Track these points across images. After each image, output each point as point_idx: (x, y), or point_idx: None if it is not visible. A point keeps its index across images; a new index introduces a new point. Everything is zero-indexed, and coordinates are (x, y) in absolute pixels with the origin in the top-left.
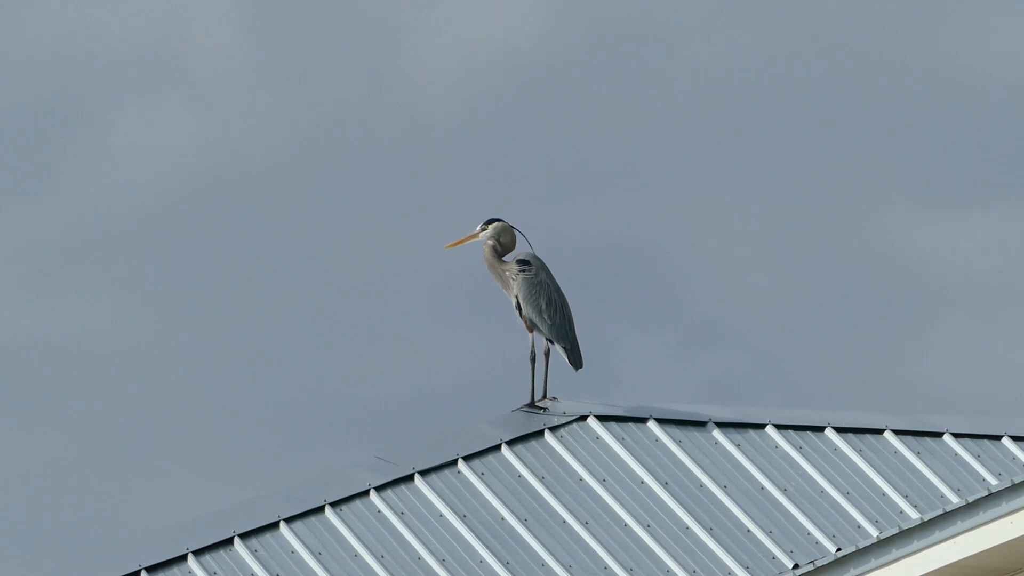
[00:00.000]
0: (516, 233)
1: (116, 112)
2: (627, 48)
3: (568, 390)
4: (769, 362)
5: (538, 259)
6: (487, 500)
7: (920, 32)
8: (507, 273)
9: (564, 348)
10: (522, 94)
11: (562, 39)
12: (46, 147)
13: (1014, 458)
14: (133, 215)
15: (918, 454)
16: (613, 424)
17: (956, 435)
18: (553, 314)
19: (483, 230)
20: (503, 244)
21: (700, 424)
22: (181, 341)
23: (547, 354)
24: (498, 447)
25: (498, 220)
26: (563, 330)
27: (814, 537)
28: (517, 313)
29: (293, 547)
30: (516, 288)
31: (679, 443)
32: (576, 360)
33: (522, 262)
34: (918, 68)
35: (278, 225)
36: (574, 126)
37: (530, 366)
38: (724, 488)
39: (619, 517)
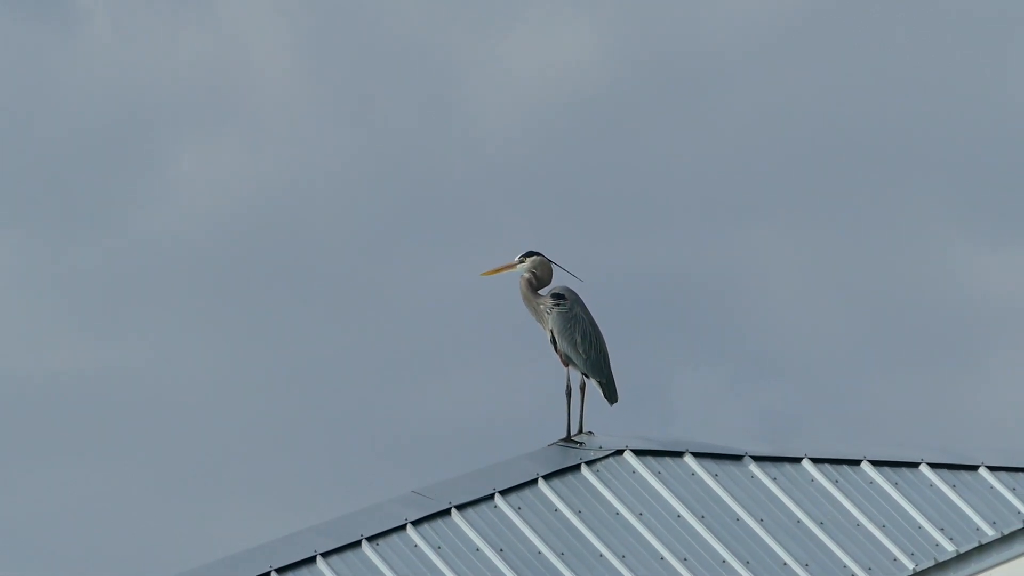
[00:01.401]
0: (554, 267)
1: (174, 147)
2: (685, 80)
3: (621, 425)
4: (825, 396)
5: (573, 292)
6: (524, 534)
7: (980, 64)
8: (542, 307)
9: (599, 383)
10: (579, 126)
11: (620, 72)
12: (104, 183)
13: None
14: (190, 250)
15: (954, 487)
16: (649, 458)
17: (992, 468)
18: (588, 348)
19: (520, 262)
20: (539, 278)
21: (736, 458)
22: (230, 375)
23: (583, 388)
24: (535, 481)
25: (536, 254)
26: (598, 365)
27: (850, 570)
28: (552, 347)
29: None
30: (551, 323)
31: (715, 477)
32: (611, 394)
33: (557, 296)
34: (977, 100)
35: (336, 259)
36: (631, 159)
37: (566, 400)
38: (760, 521)
39: (656, 551)
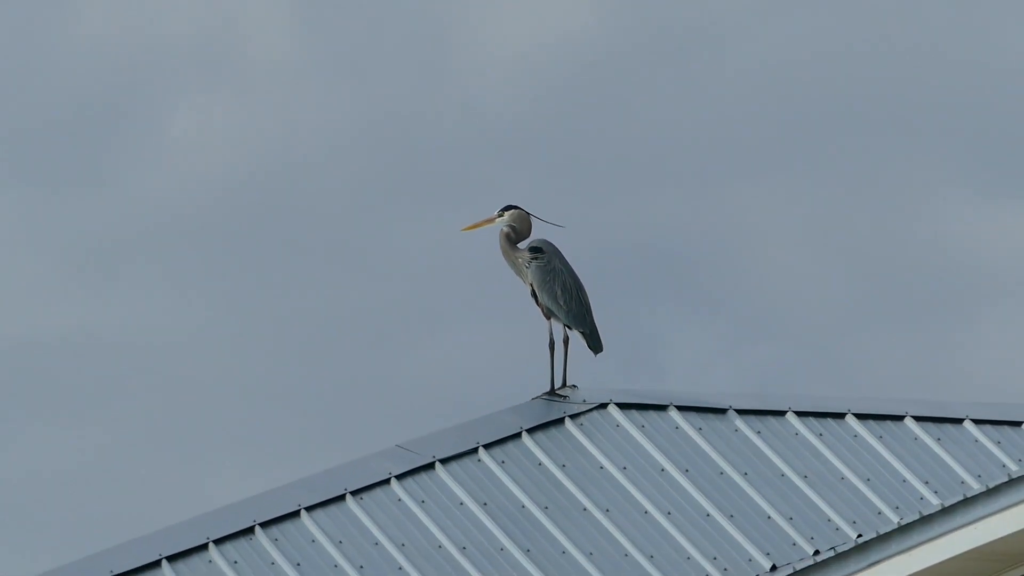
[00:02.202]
0: (533, 220)
1: (170, 108)
2: (677, 41)
3: (614, 382)
4: (820, 353)
5: (551, 245)
6: (508, 488)
7: (975, 21)
8: (520, 260)
9: (582, 333)
10: (572, 88)
11: (613, 33)
12: (99, 143)
13: None
14: (185, 210)
15: (938, 440)
16: (633, 411)
17: (976, 421)
18: (569, 300)
19: (500, 216)
20: (517, 231)
21: (720, 411)
22: (223, 334)
23: (566, 341)
24: (518, 435)
25: (515, 207)
26: (580, 316)
27: (835, 524)
28: (534, 300)
29: (314, 536)
30: (530, 276)
31: (699, 430)
32: (595, 345)
33: (535, 249)
34: (972, 56)
35: (329, 220)
36: (626, 119)
37: (549, 353)
38: (744, 475)
39: (639, 504)
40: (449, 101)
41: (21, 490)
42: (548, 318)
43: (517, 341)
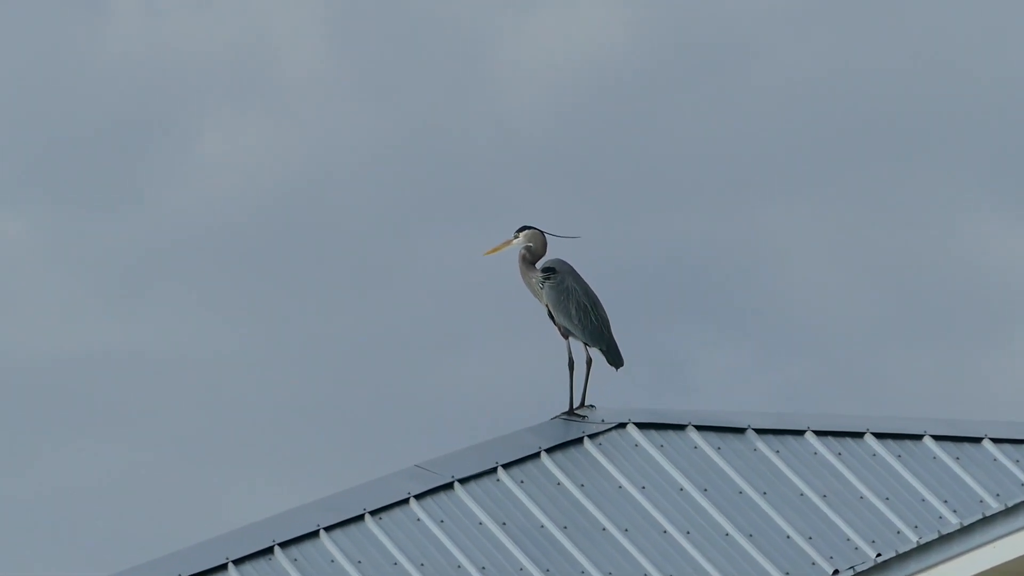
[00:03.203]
0: (550, 237)
1: (201, 125)
2: (706, 58)
3: (647, 400)
4: (849, 372)
5: (565, 264)
6: (527, 508)
7: (1006, 39)
8: (535, 281)
9: (601, 350)
10: (602, 105)
11: (643, 50)
12: (131, 160)
13: None
14: (217, 227)
15: (957, 459)
16: (652, 431)
17: (995, 440)
18: (584, 318)
19: (516, 237)
20: (532, 251)
21: (739, 430)
22: (254, 352)
23: (588, 362)
24: (537, 455)
25: (529, 227)
26: (597, 332)
27: (853, 543)
28: (551, 321)
29: (333, 556)
30: (545, 297)
31: (718, 449)
32: (615, 359)
33: (547, 270)
34: (1003, 74)
35: (359, 238)
36: (655, 136)
37: (569, 373)
38: (763, 494)
39: (658, 524)
40: (479, 118)
41: (54, 506)
42: (566, 337)
43: (543, 361)
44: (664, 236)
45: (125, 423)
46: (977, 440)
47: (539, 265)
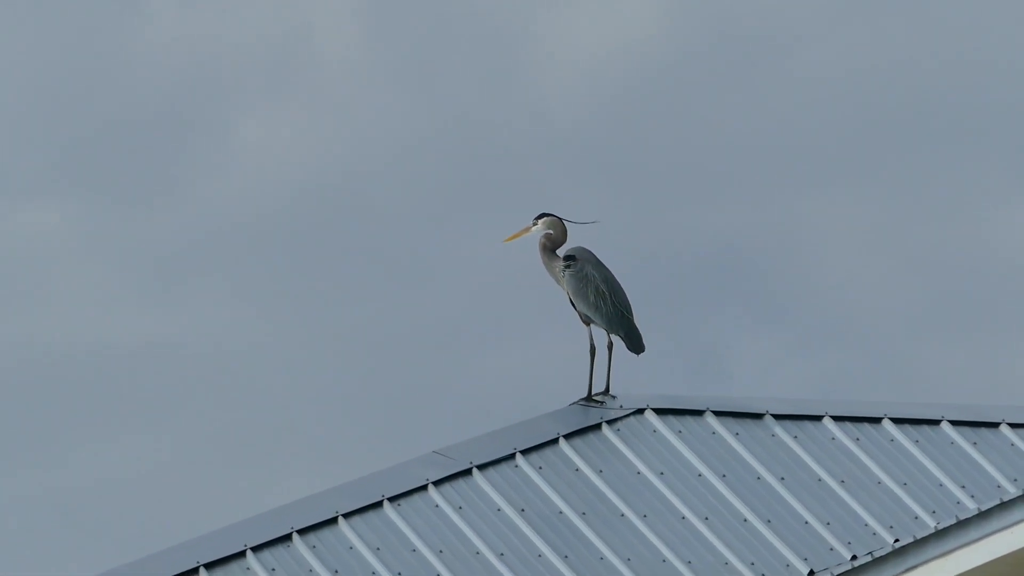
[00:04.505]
0: (570, 224)
1: (237, 116)
2: (742, 49)
3: (674, 386)
4: (884, 359)
5: (585, 251)
6: (545, 494)
7: None
8: (556, 269)
9: (620, 336)
10: (641, 96)
11: (679, 41)
12: (168, 152)
13: None
14: (252, 218)
15: (975, 444)
16: (670, 417)
17: (1013, 425)
18: (603, 304)
19: (535, 224)
20: (552, 239)
21: (757, 416)
22: (290, 343)
23: (610, 347)
24: (556, 441)
25: (548, 215)
26: (616, 319)
27: (871, 528)
28: (573, 308)
29: (352, 543)
30: (565, 285)
31: (736, 435)
32: (635, 345)
33: (568, 258)
34: None
35: (395, 229)
36: (692, 127)
37: (589, 359)
38: (781, 480)
39: (677, 510)
40: (514, 109)
41: (89, 497)
42: (587, 324)
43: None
44: (701, 225)
45: (161, 414)
46: (995, 425)
47: (560, 252)
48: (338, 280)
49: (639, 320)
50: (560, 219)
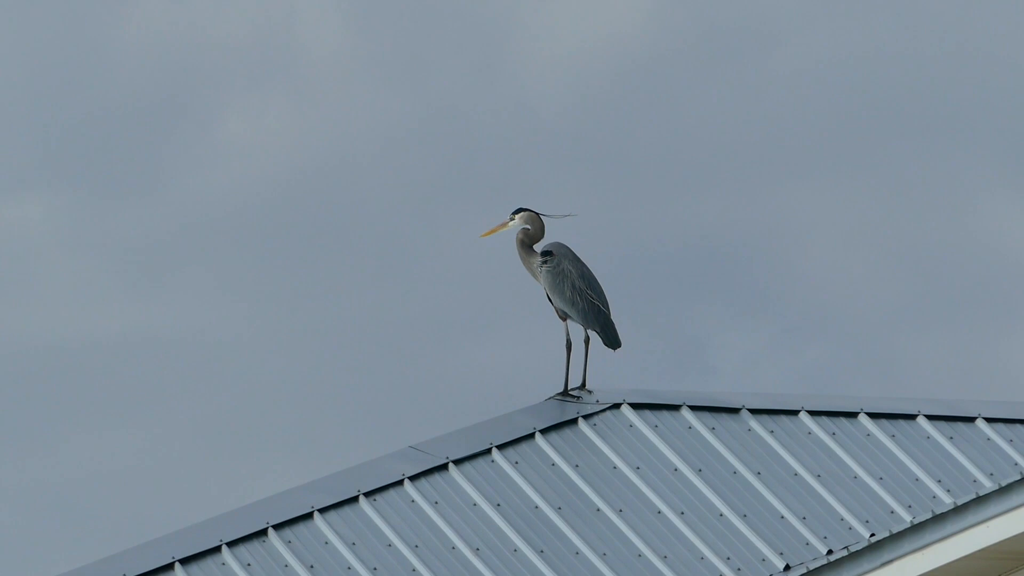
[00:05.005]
0: (548, 219)
1: (222, 110)
2: (726, 42)
3: (658, 381)
4: (867, 352)
5: (562, 247)
6: (521, 489)
7: (1020, 22)
8: (533, 265)
9: (596, 331)
10: (626, 89)
11: (663, 33)
12: (152, 145)
13: None
14: (238, 212)
15: (951, 439)
16: (646, 411)
17: (989, 420)
18: (579, 300)
19: (512, 219)
20: (530, 234)
21: (733, 411)
22: (273, 335)
23: (586, 342)
24: (532, 436)
25: (525, 209)
26: (591, 314)
27: (848, 523)
28: (550, 303)
29: (327, 538)
30: (542, 281)
31: (712, 430)
32: (611, 340)
33: (545, 254)
34: (1018, 57)
35: (379, 221)
36: (675, 120)
37: (566, 354)
38: (757, 474)
39: (653, 504)
40: (499, 102)
41: (72, 489)
42: (564, 320)
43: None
44: (685, 218)
45: (145, 407)
46: (971, 420)
47: (538, 247)
48: (321, 273)
49: (618, 315)
50: (538, 214)
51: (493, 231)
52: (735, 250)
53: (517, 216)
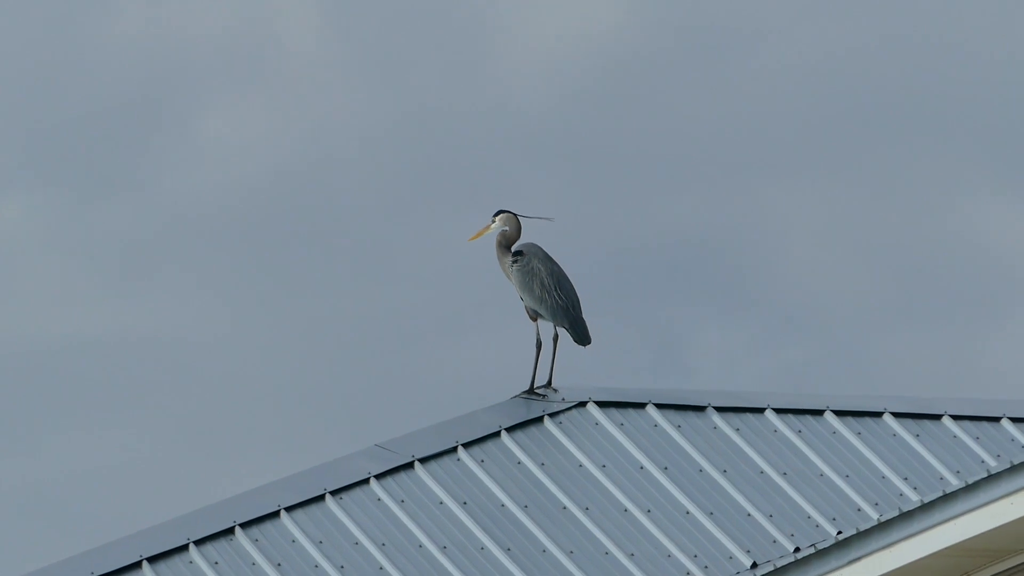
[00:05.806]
0: (524, 220)
1: (201, 110)
2: (706, 40)
3: (637, 379)
4: (848, 352)
5: (534, 246)
6: (487, 487)
7: (1005, 20)
8: (506, 265)
9: (565, 328)
10: (605, 88)
11: (643, 32)
12: (132, 145)
13: (1013, 439)
14: (217, 212)
15: (917, 436)
16: (612, 410)
17: (955, 417)
18: (547, 297)
19: (493, 222)
20: (507, 236)
21: (699, 409)
22: (254, 335)
23: (555, 339)
24: (497, 434)
25: (504, 211)
26: (558, 311)
27: (815, 520)
28: (522, 303)
29: (294, 536)
30: (513, 280)
31: (678, 428)
32: (580, 337)
33: (516, 253)
34: (1001, 55)
35: (359, 221)
36: (654, 118)
37: (535, 353)
38: (724, 472)
39: (619, 502)
40: (479, 100)
41: (51, 489)
42: (534, 320)
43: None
44: (664, 217)
45: (126, 406)
46: (937, 417)
47: (515, 247)
48: (301, 272)
49: (597, 313)
50: (515, 215)
51: (479, 235)
52: (715, 248)
53: (497, 218)
